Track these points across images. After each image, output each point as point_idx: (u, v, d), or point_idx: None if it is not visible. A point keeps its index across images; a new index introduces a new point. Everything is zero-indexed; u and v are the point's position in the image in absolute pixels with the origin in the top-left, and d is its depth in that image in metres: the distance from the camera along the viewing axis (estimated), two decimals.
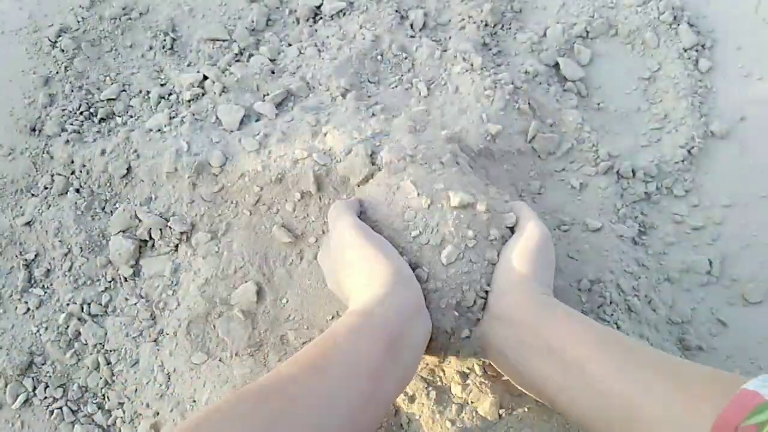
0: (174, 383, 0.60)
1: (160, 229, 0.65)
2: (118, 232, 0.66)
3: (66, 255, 0.66)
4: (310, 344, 0.42)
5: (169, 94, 0.73)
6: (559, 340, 0.43)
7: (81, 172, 0.69)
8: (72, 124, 0.71)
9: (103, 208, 0.68)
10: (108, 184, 0.68)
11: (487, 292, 0.51)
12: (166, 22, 0.79)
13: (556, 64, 0.75)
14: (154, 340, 0.62)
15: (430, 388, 0.53)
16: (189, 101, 0.71)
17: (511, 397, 0.53)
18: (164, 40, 0.77)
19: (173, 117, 0.70)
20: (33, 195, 0.69)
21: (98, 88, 0.75)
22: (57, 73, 0.75)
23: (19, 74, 0.75)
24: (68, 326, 0.63)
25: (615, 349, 0.41)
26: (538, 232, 0.52)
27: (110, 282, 0.65)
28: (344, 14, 0.78)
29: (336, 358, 0.41)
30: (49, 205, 0.68)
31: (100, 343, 0.62)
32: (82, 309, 0.64)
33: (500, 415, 0.51)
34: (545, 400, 0.46)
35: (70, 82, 0.74)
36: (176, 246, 0.65)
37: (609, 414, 0.39)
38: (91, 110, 0.73)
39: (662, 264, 0.67)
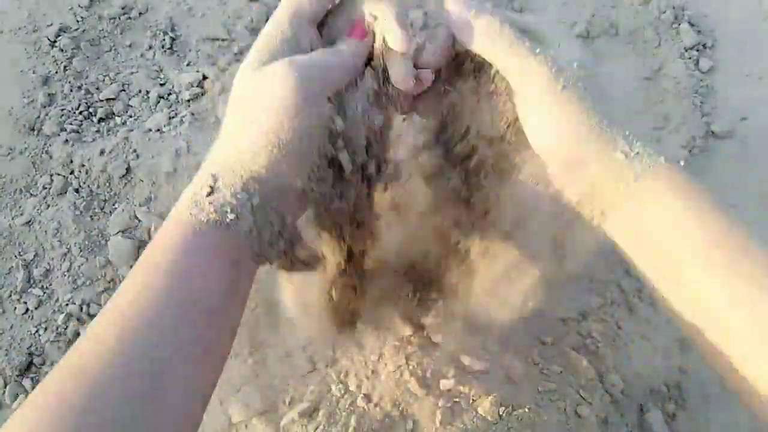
0: None
1: None
2: (118, 233, 0.66)
3: (65, 255, 0.66)
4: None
5: (169, 94, 0.73)
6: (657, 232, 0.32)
7: (80, 172, 0.68)
8: (71, 124, 0.71)
9: (102, 208, 0.67)
10: (107, 184, 0.68)
11: None
12: (165, 21, 0.79)
13: None
14: None
15: (430, 388, 0.53)
16: (188, 101, 0.71)
17: (511, 397, 0.52)
18: (163, 39, 0.77)
19: (173, 117, 0.70)
20: (32, 195, 0.69)
21: (97, 88, 0.75)
22: (56, 72, 0.75)
23: (18, 74, 0.75)
24: (67, 327, 0.63)
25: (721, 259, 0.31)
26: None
27: (109, 282, 0.65)
28: None
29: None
30: (48, 205, 0.68)
31: None
32: (81, 309, 0.63)
33: (500, 415, 0.51)
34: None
35: (70, 82, 0.74)
36: None
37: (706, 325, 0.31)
38: (91, 110, 0.73)
39: None
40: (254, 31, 0.77)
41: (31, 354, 0.62)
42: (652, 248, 0.34)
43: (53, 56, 0.76)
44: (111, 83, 0.75)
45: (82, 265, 0.65)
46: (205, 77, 0.73)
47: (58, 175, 0.69)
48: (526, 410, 0.52)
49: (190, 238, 0.31)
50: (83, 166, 0.68)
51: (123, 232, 0.65)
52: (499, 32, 0.35)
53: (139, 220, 0.65)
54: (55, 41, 0.77)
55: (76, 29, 0.78)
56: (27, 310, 0.64)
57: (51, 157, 0.70)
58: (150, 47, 0.77)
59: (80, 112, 0.72)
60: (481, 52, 0.36)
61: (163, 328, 0.30)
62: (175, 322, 0.30)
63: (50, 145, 0.70)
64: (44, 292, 0.65)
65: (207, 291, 0.31)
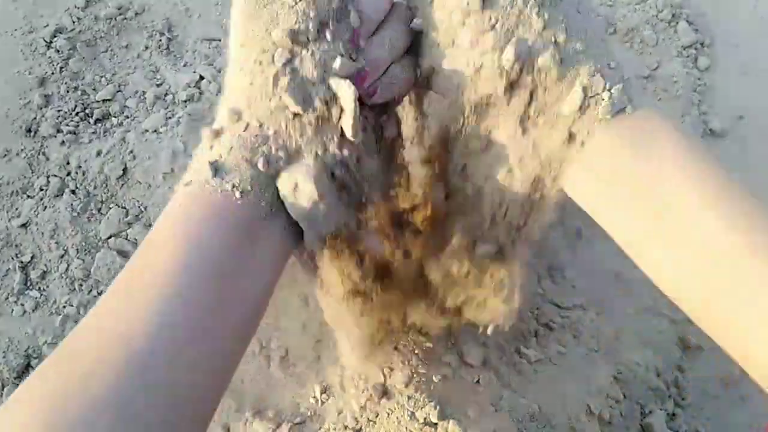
0: None
1: None
2: None
3: (62, 257, 0.65)
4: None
5: (165, 95, 0.73)
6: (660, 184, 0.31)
7: (77, 173, 0.68)
8: (68, 125, 0.71)
9: (99, 210, 0.67)
10: (104, 185, 0.68)
11: None
12: (161, 22, 0.78)
13: None
14: None
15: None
16: (185, 101, 0.71)
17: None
18: (160, 40, 0.77)
19: (169, 117, 0.70)
20: (29, 196, 0.68)
21: (94, 89, 0.74)
22: (52, 73, 0.75)
23: (15, 75, 0.75)
24: (64, 329, 0.63)
25: (727, 204, 0.30)
26: None
27: (107, 284, 0.65)
28: None
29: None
30: (45, 207, 0.67)
31: None
32: (79, 311, 0.63)
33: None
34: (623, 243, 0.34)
35: (66, 83, 0.74)
36: None
37: (711, 273, 0.30)
38: (87, 111, 0.72)
39: None
40: None
41: (28, 356, 0.62)
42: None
43: (49, 57, 0.75)
44: (107, 84, 0.74)
45: (79, 266, 0.65)
46: (201, 78, 0.73)
47: (55, 176, 0.68)
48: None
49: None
50: (80, 167, 0.68)
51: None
52: None
53: None
54: (51, 42, 0.76)
55: (72, 30, 0.78)
56: (24, 312, 0.64)
57: (48, 159, 0.69)
58: (146, 48, 0.77)
59: (77, 114, 0.72)
60: None
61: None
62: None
63: (47, 147, 0.70)
64: (41, 294, 0.65)
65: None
